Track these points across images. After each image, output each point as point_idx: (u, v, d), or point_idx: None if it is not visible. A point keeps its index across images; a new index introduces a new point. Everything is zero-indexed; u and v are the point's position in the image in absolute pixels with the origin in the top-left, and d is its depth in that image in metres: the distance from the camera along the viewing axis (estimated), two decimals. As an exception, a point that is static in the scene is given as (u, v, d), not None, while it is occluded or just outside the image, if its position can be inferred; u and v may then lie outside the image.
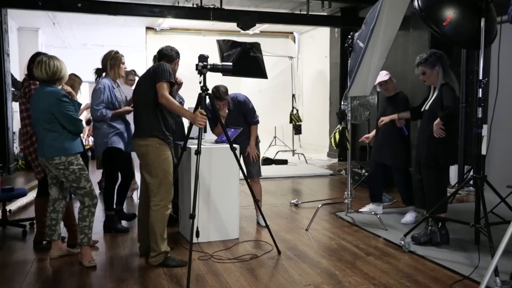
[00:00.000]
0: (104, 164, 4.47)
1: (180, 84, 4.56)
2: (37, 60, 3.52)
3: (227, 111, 4.55)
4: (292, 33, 12.44)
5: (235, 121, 4.57)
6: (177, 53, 3.73)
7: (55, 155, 3.45)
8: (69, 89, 3.74)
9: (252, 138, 4.63)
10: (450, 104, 3.97)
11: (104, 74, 4.37)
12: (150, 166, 3.52)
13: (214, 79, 4.49)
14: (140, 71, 4.45)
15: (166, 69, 3.46)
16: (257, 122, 4.68)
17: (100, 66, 4.42)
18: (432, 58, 3.95)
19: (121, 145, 4.34)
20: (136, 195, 6.03)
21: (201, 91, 3.60)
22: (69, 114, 3.45)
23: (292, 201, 5.75)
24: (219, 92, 4.37)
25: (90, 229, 3.58)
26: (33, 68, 3.56)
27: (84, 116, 6.97)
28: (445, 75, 3.98)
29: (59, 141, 3.46)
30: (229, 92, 4.54)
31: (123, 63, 4.38)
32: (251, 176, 4.56)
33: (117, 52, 4.37)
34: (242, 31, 8.62)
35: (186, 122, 5.36)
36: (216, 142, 4.39)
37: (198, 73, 3.61)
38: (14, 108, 7.72)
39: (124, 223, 4.68)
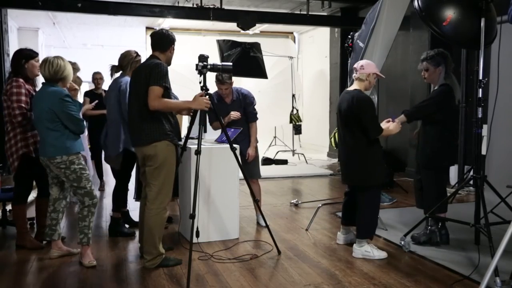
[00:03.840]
0: (123, 165, 4.35)
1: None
2: (43, 60, 3.56)
3: (231, 98, 4.58)
4: (292, 33, 12.45)
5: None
6: (172, 40, 3.52)
7: (57, 154, 3.46)
8: (75, 86, 3.73)
9: (253, 139, 4.63)
10: (423, 103, 3.97)
11: (120, 72, 4.35)
12: (154, 168, 3.44)
13: (213, 79, 4.49)
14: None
15: (162, 70, 3.31)
16: (256, 118, 4.68)
17: (112, 64, 4.42)
18: (438, 57, 3.93)
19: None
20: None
21: (201, 91, 3.59)
22: (71, 114, 3.46)
23: (292, 201, 5.75)
24: (222, 75, 4.37)
25: (90, 229, 3.58)
26: (40, 67, 3.58)
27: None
28: (446, 77, 3.96)
29: (61, 140, 3.47)
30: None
31: None
32: (251, 176, 4.56)
33: (138, 54, 4.35)
34: (242, 31, 8.63)
35: (184, 123, 5.33)
36: (216, 142, 4.40)
37: (198, 73, 3.60)
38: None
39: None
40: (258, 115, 4.74)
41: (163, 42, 3.49)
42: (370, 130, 3.62)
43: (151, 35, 3.56)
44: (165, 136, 3.43)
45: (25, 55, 3.90)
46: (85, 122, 4.35)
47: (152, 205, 3.46)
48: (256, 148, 4.67)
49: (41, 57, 4.08)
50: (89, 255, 3.59)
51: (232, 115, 4.48)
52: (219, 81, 4.43)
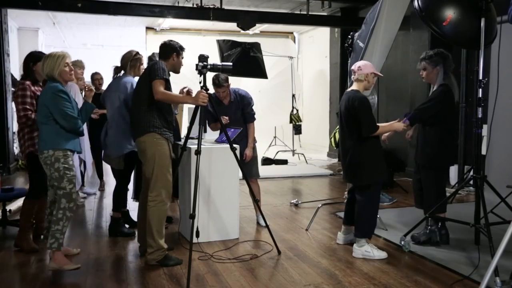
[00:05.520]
0: (126, 165, 4.34)
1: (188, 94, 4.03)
2: None
3: (229, 99, 4.58)
4: (292, 33, 12.45)
5: (235, 114, 4.59)
6: (174, 48, 3.65)
7: (44, 148, 3.37)
8: (91, 86, 3.66)
9: (250, 139, 4.63)
10: (424, 106, 3.95)
11: (122, 72, 4.35)
12: (147, 162, 3.54)
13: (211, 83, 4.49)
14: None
15: (159, 66, 3.47)
16: (254, 119, 4.69)
17: (115, 65, 4.42)
18: (436, 57, 3.93)
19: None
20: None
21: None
22: (62, 109, 3.35)
23: (292, 201, 5.75)
24: (218, 79, 4.39)
25: (62, 234, 3.37)
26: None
27: None
28: (445, 77, 3.96)
29: (50, 134, 3.38)
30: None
31: (142, 64, 4.37)
32: (250, 176, 4.56)
33: (138, 53, 4.37)
34: (242, 31, 8.62)
35: (184, 124, 5.33)
36: (216, 142, 4.40)
37: (198, 73, 3.62)
38: (14, 108, 7.72)
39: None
40: (258, 115, 4.75)
41: (164, 51, 3.67)
42: (362, 127, 3.65)
43: (159, 46, 3.73)
44: (153, 128, 3.51)
45: (33, 57, 3.97)
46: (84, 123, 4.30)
47: (149, 197, 3.53)
48: (253, 148, 4.67)
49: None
50: (63, 259, 3.41)
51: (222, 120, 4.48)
52: (216, 84, 4.43)
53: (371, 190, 3.76)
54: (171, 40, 3.71)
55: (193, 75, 3.87)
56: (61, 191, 3.38)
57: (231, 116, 4.57)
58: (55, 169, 3.36)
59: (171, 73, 3.70)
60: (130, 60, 4.30)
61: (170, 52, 3.64)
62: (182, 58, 3.72)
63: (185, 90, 3.80)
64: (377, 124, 3.74)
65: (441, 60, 3.93)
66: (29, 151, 3.89)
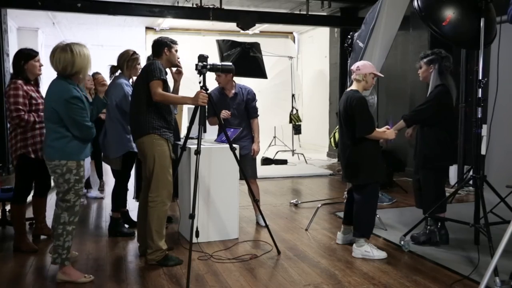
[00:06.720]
0: (123, 166, 4.35)
1: (180, 73, 3.90)
2: (52, 50, 3.14)
3: (232, 91, 4.59)
4: (292, 33, 12.45)
5: (239, 107, 4.59)
6: (164, 43, 3.63)
7: (55, 157, 3.09)
8: (104, 80, 3.43)
9: (257, 134, 4.64)
10: (421, 107, 3.96)
11: (119, 72, 4.35)
12: (147, 162, 3.55)
13: (213, 79, 4.49)
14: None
15: (156, 67, 3.47)
16: (258, 114, 4.72)
17: (111, 64, 4.42)
18: (431, 56, 3.95)
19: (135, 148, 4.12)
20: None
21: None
22: (76, 120, 3.06)
23: (291, 201, 5.75)
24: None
25: (65, 249, 3.16)
26: (49, 59, 3.15)
27: None
28: (441, 78, 3.95)
29: (61, 142, 3.09)
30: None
31: (139, 64, 4.36)
32: (247, 177, 4.56)
33: (135, 53, 4.37)
34: (242, 31, 8.63)
35: (184, 124, 5.32)
36: (216, 142, 4.40)
37: (198, 73, 3.62)
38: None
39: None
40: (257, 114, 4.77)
41: (155, 48, 3.67)
42: (357, 127, 3.65)
43: (151, 46, 3.73)
44: (152, 129, 3.51)
45: (24, 55, 3.86)
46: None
47: (149, 197, 3.53)
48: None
49: (41, 58, 4.06)
50: (74, 272, 3.23)
51: (222, 114, 4.47)
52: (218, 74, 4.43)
53: (369, 190, 3.76)
54: (160, 37, 3.72)
55: (193, 75, 3.87)
56: (64, 204, 3.14)
57: (234, 108, 4.58)
58: (65, 180, 3.10)
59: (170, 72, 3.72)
60: (127, 61, 4.30)
61: (161, 48, 3.63)
62: (176, 51, 3.69)
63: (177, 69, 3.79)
64: (375, 127, 3.72)
65: (436, 59, 3.94)
66: (21, 153, 3.78)
